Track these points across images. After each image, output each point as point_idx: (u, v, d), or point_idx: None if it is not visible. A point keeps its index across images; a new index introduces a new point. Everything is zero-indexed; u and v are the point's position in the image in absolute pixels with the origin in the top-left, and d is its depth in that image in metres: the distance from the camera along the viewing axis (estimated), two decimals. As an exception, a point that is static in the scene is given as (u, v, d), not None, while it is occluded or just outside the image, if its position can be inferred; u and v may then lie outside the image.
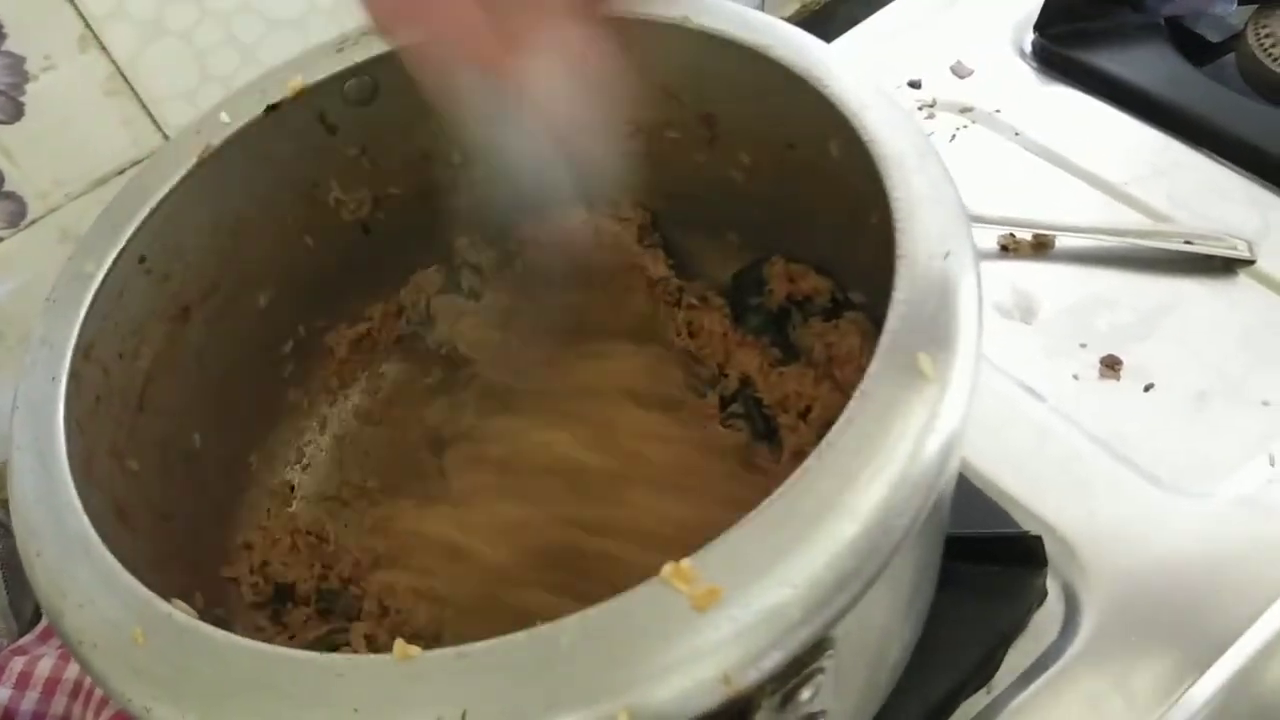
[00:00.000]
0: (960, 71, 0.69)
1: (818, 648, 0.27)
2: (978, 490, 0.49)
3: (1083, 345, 0.55)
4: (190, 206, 0.42)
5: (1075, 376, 0.53)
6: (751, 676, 0.25)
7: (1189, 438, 0.50)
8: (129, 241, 0.40)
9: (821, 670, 0.28)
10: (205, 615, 0.43)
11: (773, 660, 0.26)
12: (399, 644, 0.27)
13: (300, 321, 0.50)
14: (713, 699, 0.25)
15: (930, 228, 0.32)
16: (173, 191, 0.41)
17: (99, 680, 0.29)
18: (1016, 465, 0.50)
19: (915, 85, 0.69)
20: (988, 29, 0.72)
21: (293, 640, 0.45)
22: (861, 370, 0.46)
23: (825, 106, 0.38)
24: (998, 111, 0.66)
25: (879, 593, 0.28)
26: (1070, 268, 0.58)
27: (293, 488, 0.50)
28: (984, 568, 0.46)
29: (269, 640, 0.44)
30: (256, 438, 0.49)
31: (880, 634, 0.35)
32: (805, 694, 0.28)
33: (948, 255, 0.31)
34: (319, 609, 0.46)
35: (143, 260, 0.41)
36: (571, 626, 0.26)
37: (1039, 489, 0.50)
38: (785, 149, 0.44)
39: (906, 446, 0.28)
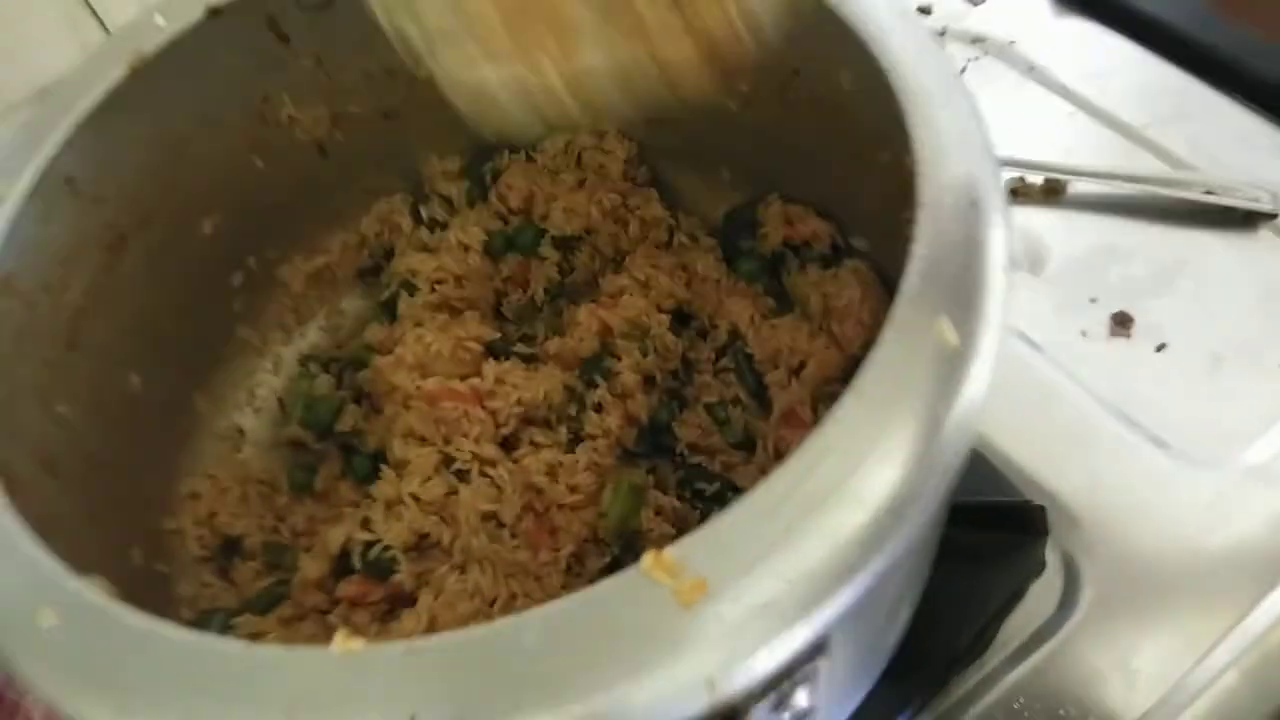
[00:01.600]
0: (973, -2, 0.65)
1: (814, 648, 0.24)
2: (977, 453, 0.46)
3: (1093, 300, 0.51)
4: (123, 122, 0.38)
5: (1084, 333, 0.50)
6: (739, 681, 0.22)
7: (1202, 403, 0.47)
8: (53, 160, 0.36)
9: (816, 671, 0.25)
10: (146, 569, 0.41)
11: (763, 663, 0.22)
12: (339, 635, 0.24)
13: (250, 252, 0.46)
14: (695, 705, 0.22)
15: (956, 173, 0.28)
16: (102, 105, 0.37)
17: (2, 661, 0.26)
18: (1018, 427, 0.47)
19: (925, 11, 0.64)
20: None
21: (239, 595, 0.41)
22: (862, 325, 0.43)
23: (839, 29, 0.34)
24: (1012, 43, 0.62)
25: (881, 584, 0.24)
26: (1083, 215, 0.54)
27: (242, 432, 0.46)
28: (982, 535, 0.43)
29: (216, 597, 0.42)
30: (202, 378, 0.45)
31: (879, 624, 0.32)
32: (798, 697, 0.25)
33: (974, 204, 0.27)
34: (266, 563, 0.42)
35: (70, 181, 0.37)
36: (536, 621, 0.23)
37: (1041, 452, 0.47)
38: (789, 76, 0.40)
39: (921, 424, 0.24)
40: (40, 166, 0.35)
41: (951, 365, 0.25)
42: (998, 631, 0.43)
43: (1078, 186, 0.55)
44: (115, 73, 0.37)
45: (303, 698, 0.23)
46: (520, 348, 0.43)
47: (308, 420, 0.43)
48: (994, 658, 0.43)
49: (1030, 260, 0.53)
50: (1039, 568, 0.44)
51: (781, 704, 0.24)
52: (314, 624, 0.38)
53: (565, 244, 0.46)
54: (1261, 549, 0.43)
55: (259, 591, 0.40)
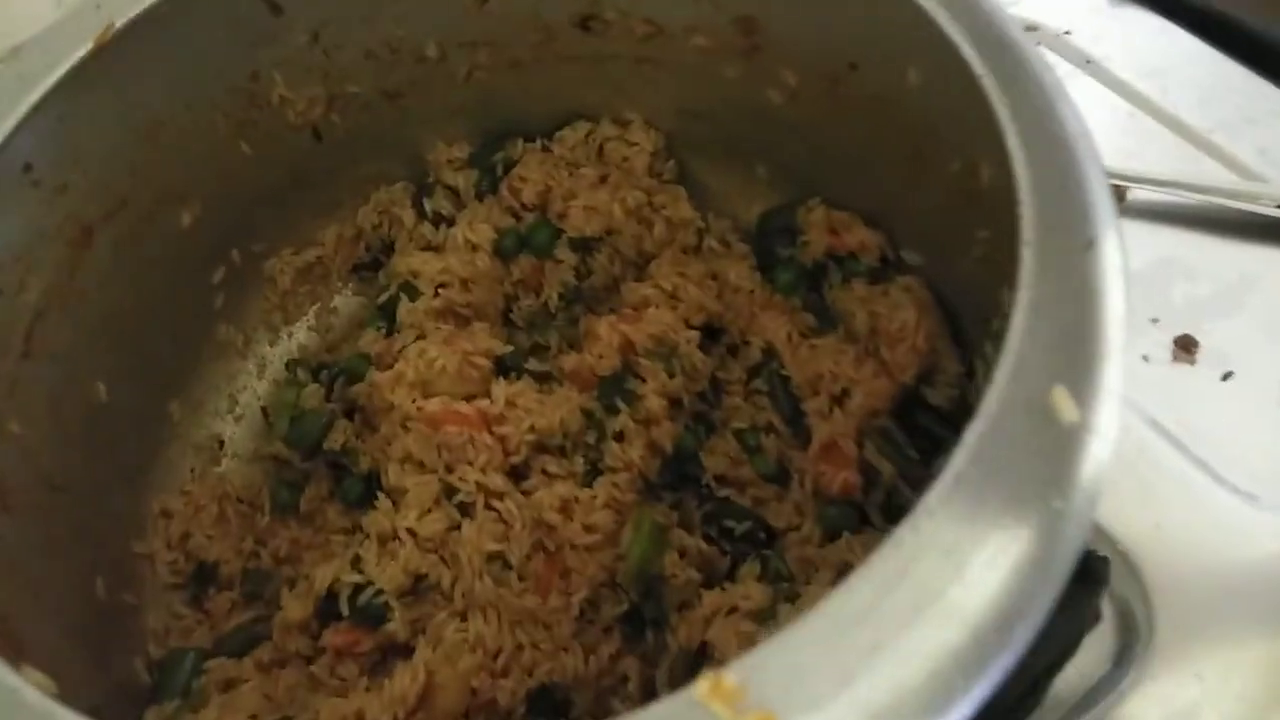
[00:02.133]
0: (1024, -18, 0.60)
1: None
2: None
3: (1154, 320, 0.47)
4: (89, 103, 0.33)
5: (1145, 358, 0.46)
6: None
7: (1273, 438, 0.43)
8: (5, 145, 0.31)
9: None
10: (110, 602, 0.37)
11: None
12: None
13: (233, 245, 0.42)
14: None
15: (1068, 205, 0.24)
16: (64, 83, 0.32)
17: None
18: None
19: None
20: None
21: (214, 630, 0.37)
22: (916, 351, 0.39)
23: (911, 17, 0.30)
24: (1067, 34, 0.57)
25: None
26: (1142, 226, 0.50)
27: (222, 443, 0.42)
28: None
29: (188, 631, 0.38)
30: (178, 384, 0.41)
31: None
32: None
33: (1090, 245, 0.23)
34: (245, 593, 0.38)
35: (28, 169, 0.32)
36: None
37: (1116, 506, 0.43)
38: (845, 70, 0.35)
39: (1034, 520, 0.20)
40: (-9, 152, 0.31)
41: (1068, 444, 0.21)
42: (1048, 689, 0.39)
43: (1137, 194, 0.51)
44: (80, 47, 0.32)
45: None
46: (533, 364, 0.39)
47: (293, 437, 0.39)
48: (1046, 718, 0.39)
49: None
50: (1094, 620, 0.40)
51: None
52: (296, 672, 0.34)
53: (583, 245, 0.42)
54: (1339, 606, 0.40)
55: (235, 628, 0.36)
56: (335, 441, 0.39)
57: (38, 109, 0.32)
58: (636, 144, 0.43)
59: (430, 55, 0.41)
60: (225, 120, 0.39)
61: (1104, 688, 0.39)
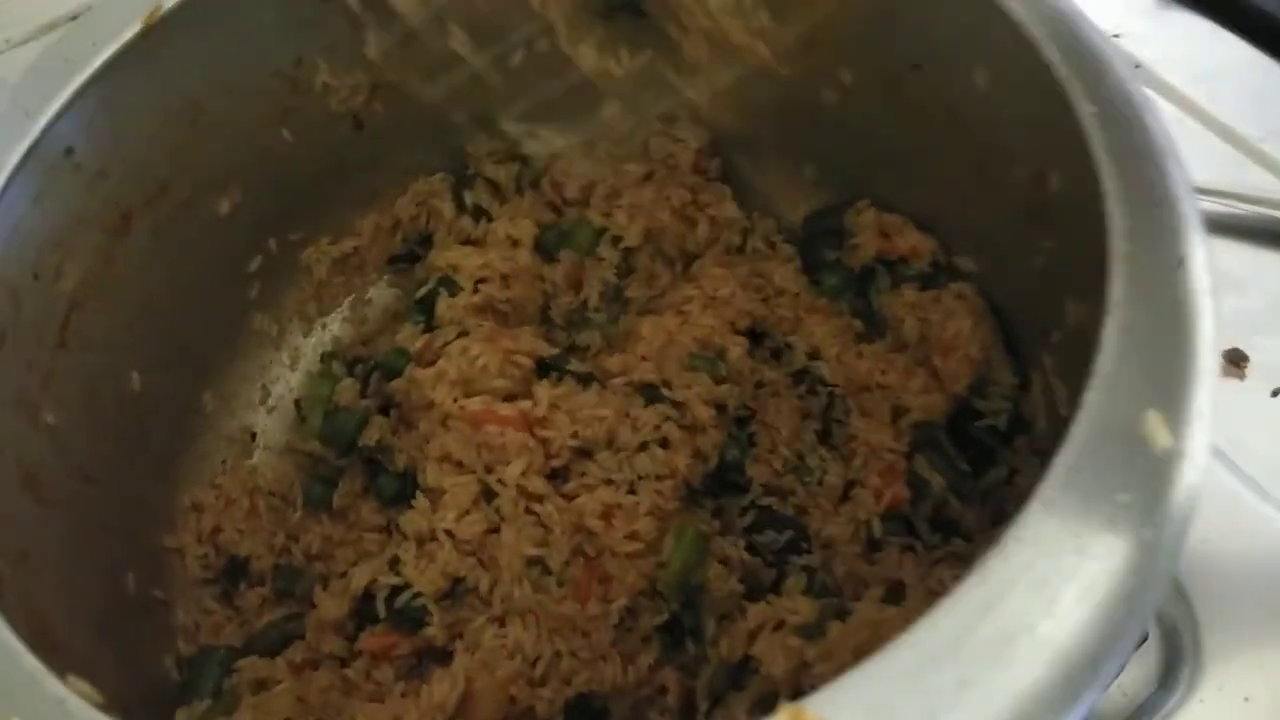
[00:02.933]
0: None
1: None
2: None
3: (1203, 333, 0.46)
4: (133, 87, 0.33)
5: (1194, 372, 0.45)
6: None
7: (1326, 459, 0.43)
8: (49, 128, 0.30)
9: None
10: (141, 596, 0.36)
11: None
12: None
13: (270, 234, 0.41)
14: None
15: (1158, 220, 0.23)
16: (109, 66, 0.31)
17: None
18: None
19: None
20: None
21: (244, 626, 0.37)
22: (970, 361, 0.38)
23: (986, 16, 0.29)
24: (1115, 37, 0.56)
25: None
26: (1192, 236, 0.49)
27: (254, 435, 0.41)
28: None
29: (218, 628, 0.37)
30: (211, 374, 0.40)
31: None
32: None
33: (1181, 263, 0.22)
34: (276, 589, 0.38)
35: (70, 153, 0.32)
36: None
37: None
38: (907, 70, 0.34)
39: (1127, 550, 0.19)
40: (34, 136, 0.30)
41: (1161, 472, 0.20)
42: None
43: (1187, 203, 0.50)
44: (127, 30, 0.31)
45: None
46: (574, 365, 0.38)
47: (327, 433, 0.38)
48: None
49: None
50: (1140, 639, 0.39)
51: None
52: (329, 674, 0.33)
53: (622, 240, 0.41)
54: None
55: (267, 626, 0.36)
56: (370, 438, 0.38)
57: (82, 92, 0.31)
58: (683, 140, 0.42)
59: (482, 43, 0.40)
60: (267, 106, 0.38)
61: (1149, 709, 0.39)
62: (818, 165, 0.42)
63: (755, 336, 0.40)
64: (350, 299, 0.44)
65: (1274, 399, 0.44)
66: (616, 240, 0.41)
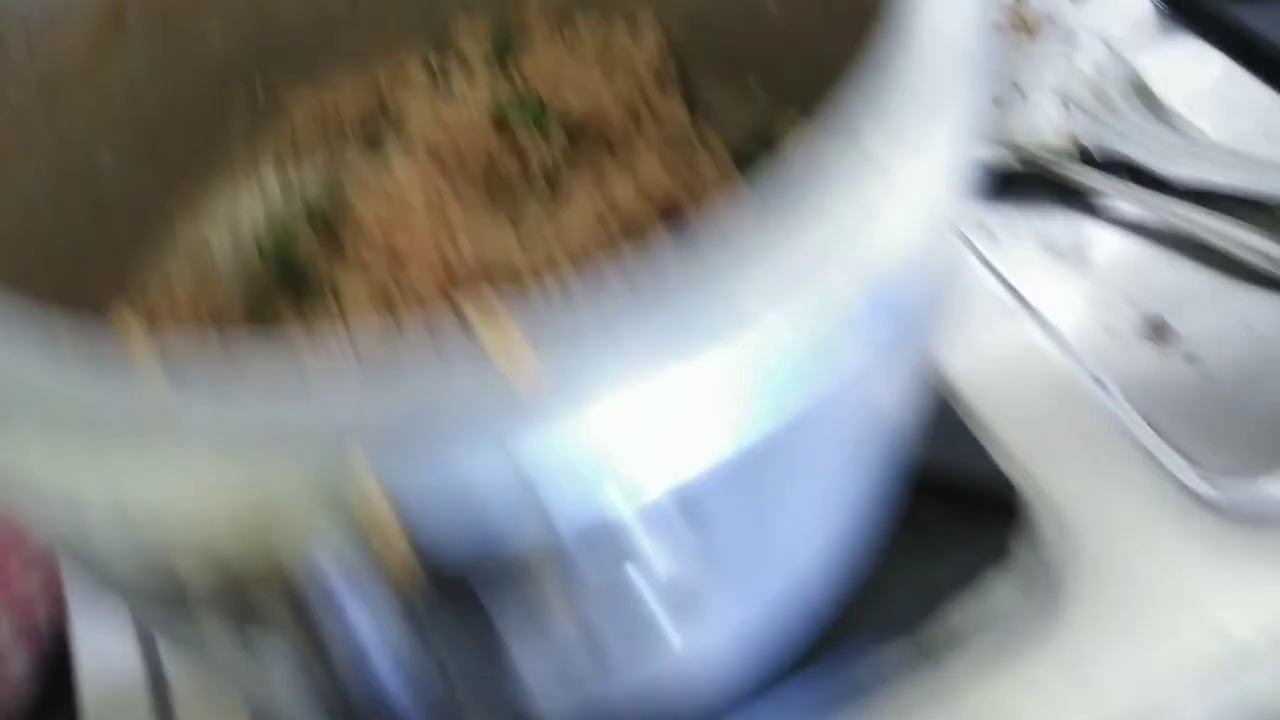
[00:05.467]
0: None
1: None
2: (963, 426, 0.42)
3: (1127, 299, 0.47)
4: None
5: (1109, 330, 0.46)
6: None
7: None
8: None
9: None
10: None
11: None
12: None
13: (256, 71, 0.45)
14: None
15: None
16: None
17: None
18: (1017, 414, 0.44)
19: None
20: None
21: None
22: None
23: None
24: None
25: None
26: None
27: (210, 249, 0.45)
28: (944, 510, 0.40)
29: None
30: (181, 184, 0.44)
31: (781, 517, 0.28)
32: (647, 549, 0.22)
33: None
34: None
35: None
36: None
37: (1038, 442, 0.43)
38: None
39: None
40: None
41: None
42: (945, 615, 0.39)
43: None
44: None
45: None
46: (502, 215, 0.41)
47: (266, 247, 0.42)
48: (944, 655, 0.39)
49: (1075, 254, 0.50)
50: (999, 554, 0.40)
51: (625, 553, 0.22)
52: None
53: (572, 126, 0.44)
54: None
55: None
56: (297, 250, 0.42)
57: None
58: (641, 41, 0.45)
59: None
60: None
61: (1007, 635, 0.39)
62: (760, 79, 0.44)
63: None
64: (326, 151, 0.48)
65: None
66: (564, 120, 0.44)
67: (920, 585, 0.39)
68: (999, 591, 0.40)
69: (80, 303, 0.40)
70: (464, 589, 0.20)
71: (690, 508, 0.22)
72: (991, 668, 0.38)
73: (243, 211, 0.46)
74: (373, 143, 0.46)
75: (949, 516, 0.39)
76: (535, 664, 0.25)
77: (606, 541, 0.21)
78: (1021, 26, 0.58)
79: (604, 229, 0.40)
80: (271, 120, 0.47)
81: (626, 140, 0.45)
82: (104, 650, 0.42)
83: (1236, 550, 0.40)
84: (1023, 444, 0.42)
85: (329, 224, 0.42)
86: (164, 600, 0.22)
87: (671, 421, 0.20)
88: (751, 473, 0.22)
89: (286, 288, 0.43)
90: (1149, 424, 0.43)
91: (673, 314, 0.19)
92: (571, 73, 0.45)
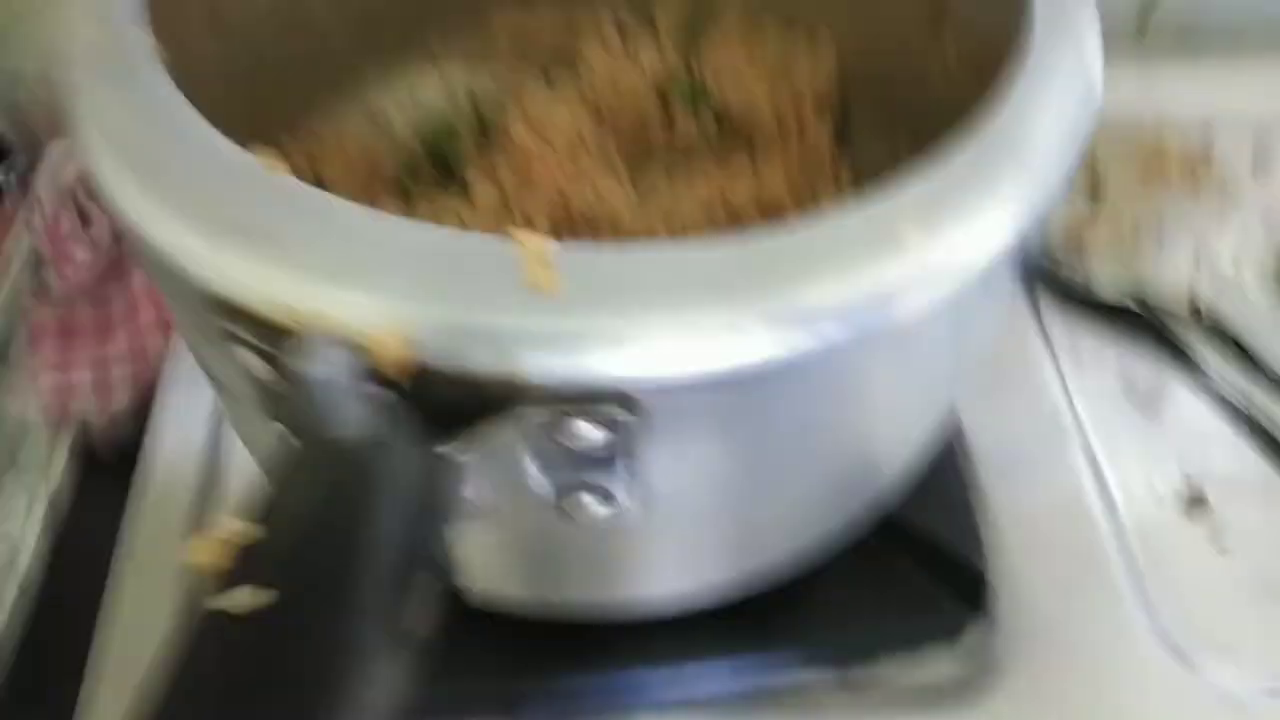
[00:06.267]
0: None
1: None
2: (969, 501, 0.44)
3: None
4: None
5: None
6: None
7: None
8: None
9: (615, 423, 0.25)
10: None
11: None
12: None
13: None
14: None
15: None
16: None
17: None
18: (1027, 514, 0.45)
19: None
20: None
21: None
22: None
23: None
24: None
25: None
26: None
27: (387, 119, 0.50)
28: (919, 567, 0.42)
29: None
30: (376, 54, 0.49)
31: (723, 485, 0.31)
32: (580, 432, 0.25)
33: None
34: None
35: None
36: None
37: (1033, 549, 0.44)
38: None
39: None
40: None
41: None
42: (872, 661, 0.41)
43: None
44: None
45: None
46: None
47: (421, 129, 0.47)
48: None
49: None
50: (952, 628, 0.42)
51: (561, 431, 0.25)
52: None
53: (723, 118, 0.48)
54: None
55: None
56: (454, 145, 0.46)
57: None
58: (814, 63, 0.48)
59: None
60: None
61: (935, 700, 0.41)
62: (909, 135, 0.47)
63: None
64: (511, 67, 0.53)
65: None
66: (719, 109, 0.48)
67: (867, 624, 0.41)
68: (938, 660, 0.42)
69: (265, 136, 0.45)
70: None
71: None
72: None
73: (423, 95, 0.52)
74: (550, 75, 0.51)
75: (921, 575, 0.41)
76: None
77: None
78: (1190, 177, 0.58)
79: (709, 217, 0.43)
80: (474, 24, 0.51)
81: (767, 145, 0.48)
82: (183, 406, 0.49)
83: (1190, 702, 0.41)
84: (1019, 543, 0.44)
85: (486, 131, 0.46)
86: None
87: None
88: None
89: (434, 173, 0.48)
90: (1148, 581, 0.44)
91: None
92: (741, 69, 0.48)
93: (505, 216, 0.42)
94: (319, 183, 0.46)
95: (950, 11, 0.41)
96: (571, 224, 0.42)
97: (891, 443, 0.35)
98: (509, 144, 0.43)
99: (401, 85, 0.51)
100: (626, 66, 0.48)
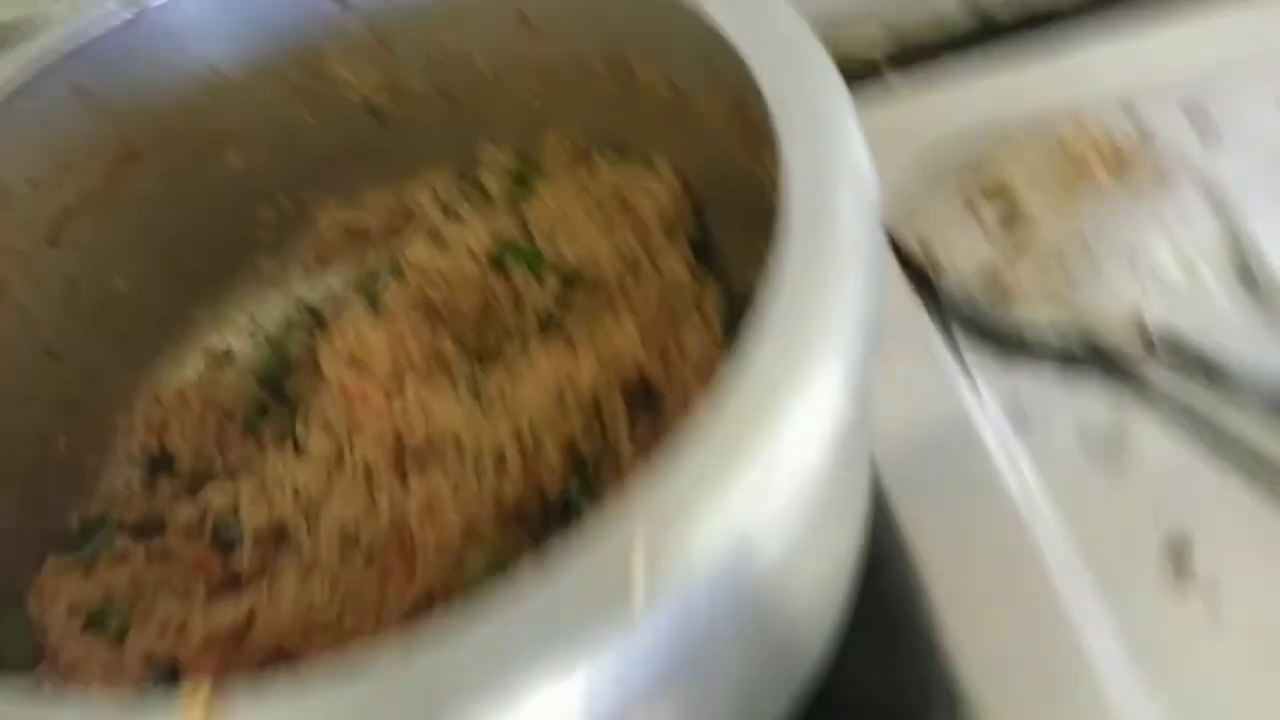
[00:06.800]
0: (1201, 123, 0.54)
1: None
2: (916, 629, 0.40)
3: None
4: (147, 44, 0.39)
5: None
6: None
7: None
8: (59, 63, 0.37)
9: None
10: (69, 458, 0.43)
11: None
12: None
13: (283, 190, 0.47)
14: None
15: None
16: (120, 28, 0.38)
17: None
18: (987, 627, 0.40)
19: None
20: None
21: (149, 510, 0.43)
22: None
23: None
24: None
25: None
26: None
27: (230, 356, 0.48)
28: None
29: (128, 503, 0.43)
30: (205, 296, 0.47)
31: None
32: None
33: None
34: (188, 487, 0.44)
35: (79, 89, 0.38)
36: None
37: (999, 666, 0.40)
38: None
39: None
40: (45, 64, 0.37)
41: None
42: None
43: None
44: (136, -1, 0.37)
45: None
46: (462, 372, 0.41)
47: (262, 369, 0.44)
48: None
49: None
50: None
51: None
52: (163, 569, 0.39)
53: (568, 275, 0.44)
54: None
55: (149, 513, 0.42)
56: (290, 386, 0.43)
57: (95, 42, 0.37)
58: (653, 188, 0.44)
59: (481, 68, 0.43)
60: (285, 86, 0.43)
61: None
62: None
63: (645, 393, 0.41)
64: (353, 260, 0.50)
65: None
66: (560, 268, 0.44)
67: None
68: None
69: (89, 410, 0.43)
70: None
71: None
72: None
73: (266, 318, 0.49)
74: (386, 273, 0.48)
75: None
76: None
77: None
78: (1114, 165, 0.52)
79: (561, 409, 0.39)
80: (299, 233, 0.48)
81: (622, 292, 0.44)
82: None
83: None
84: (985, 665, 0.39)
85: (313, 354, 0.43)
86: None
87: None
88: None
89: (280, 408, 0.45)
90: (1139, 680, 0.39)
91: None
92: (574, 219, 0.44)
93: (340, 467, 0.39)
94: (165, 452, 0.45)
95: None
96: (416, 456, 0.39)
97: (801, 631, 0.31)
98: (326, 382, 0.40)
99: (241, 317, 0.48)
100: (456, 253, 0.44)
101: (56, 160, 0.39)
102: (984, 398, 0.47)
